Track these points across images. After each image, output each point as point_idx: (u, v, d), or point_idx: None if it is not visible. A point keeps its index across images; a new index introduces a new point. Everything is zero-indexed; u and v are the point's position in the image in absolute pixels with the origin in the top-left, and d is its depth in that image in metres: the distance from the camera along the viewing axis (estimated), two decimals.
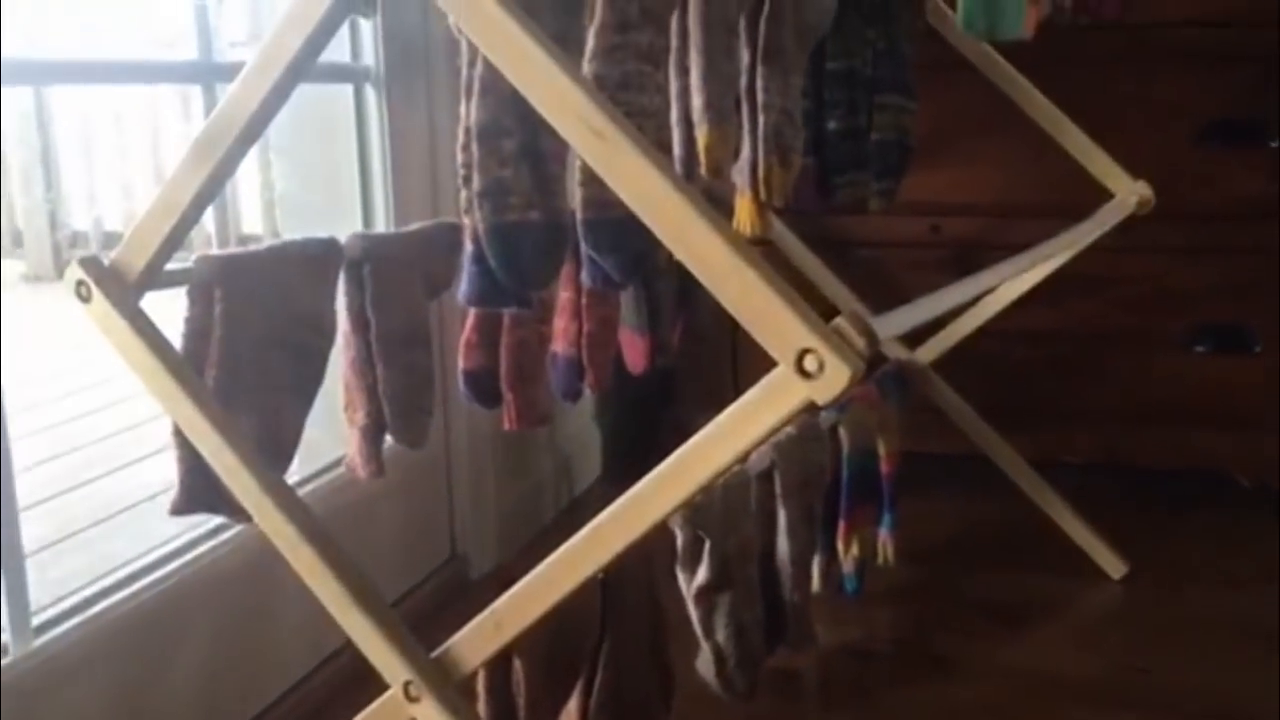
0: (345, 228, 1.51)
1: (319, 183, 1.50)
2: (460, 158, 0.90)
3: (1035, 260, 1.31)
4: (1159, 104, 1.81)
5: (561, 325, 1.31)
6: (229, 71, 1.64)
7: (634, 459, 1.38)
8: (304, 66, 0.86)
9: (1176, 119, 1.81)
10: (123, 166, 4.22)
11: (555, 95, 0.74)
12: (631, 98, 1.02)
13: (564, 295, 1.28)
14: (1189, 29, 1.77)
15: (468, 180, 0.89)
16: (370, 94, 1.48)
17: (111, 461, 2.37)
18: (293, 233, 1.47)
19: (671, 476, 0.75)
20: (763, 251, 1.35)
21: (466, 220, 0.91)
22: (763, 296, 0.69)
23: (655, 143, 1.05)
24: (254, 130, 0.89)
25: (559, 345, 1.31)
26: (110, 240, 4.29)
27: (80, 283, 0.93)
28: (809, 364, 0.68)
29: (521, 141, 0.90)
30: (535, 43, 0.74)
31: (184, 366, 0.92)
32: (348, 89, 1.48)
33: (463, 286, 0.94)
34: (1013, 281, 1.32)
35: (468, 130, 0.89)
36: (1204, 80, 1.79)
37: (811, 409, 0.70)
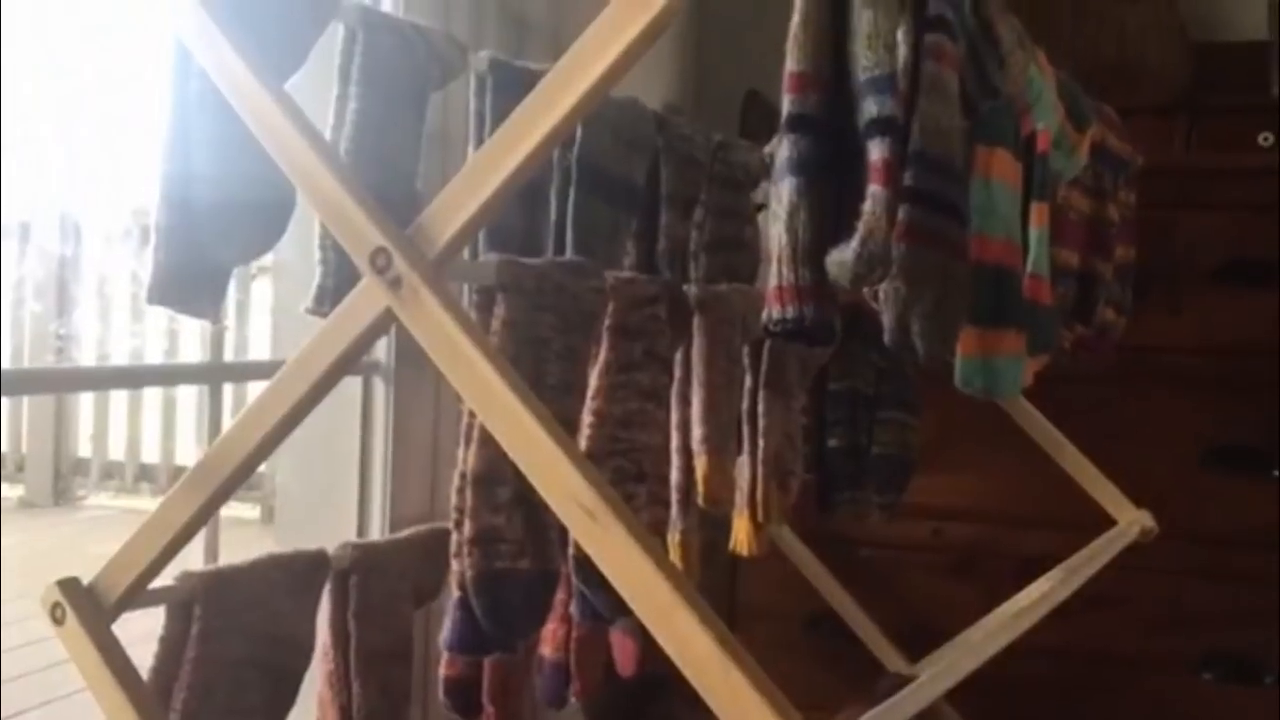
0: (340, 522, 1.51)
1: (318, 473, 1.50)
2: (454, 500, 0.89)
3: (1041, 597, 1.28)
4: (1162, 425, 1.82)
5: (550, 628, 1.28)
6: (237, 371, 1.69)
7: None
8: (304, 411, 0.86)
9: (1181, 441, 1.81)
10: (131, 398, 4.28)
11: (549, 470, 0.74)
12: (633, 435, 1.02)
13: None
14: (1188, 355, 1.81)
15: (459, 525, 0.89)
16: (378, 387, 1.50)
17: None
18: (287, 526, 1.46)
19: None
20: (763, 548, 1.33)
21: (455, 564, 0.89)
22: (751, 703, 0.67)
23: (654, 475, 1.05)
24: (253, 464, 0.89)
25: (546, 648, 1.27)
26: (112, 469, 4.29)
27: (56, 605, 0.91)
28: None
29: (516, 489, 0.89)
30: (533, 417, 0.74)
31: (151, 705, 0.89)
32: (356, 381, 1.50)
33: (445, 631, 0.91)
34: (1013, 621, 1.29)
35: (463, 475, 0.89)
36: (1206, 405, 1.81)
37: None
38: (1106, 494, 1.57)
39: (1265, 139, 1.93)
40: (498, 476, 0.88)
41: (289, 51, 0.97)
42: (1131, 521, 1.55)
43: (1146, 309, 1.73)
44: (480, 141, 1.21)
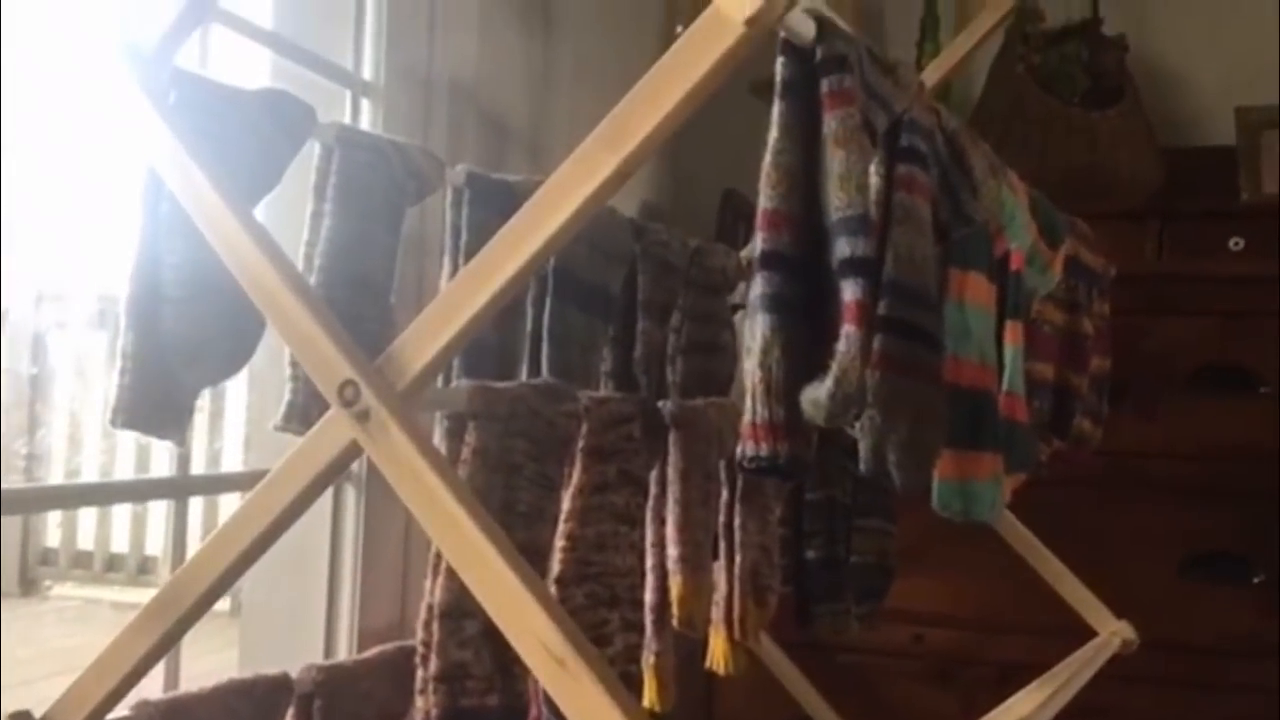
0: (307, 631, 1.48)
1: (286, 581, 1.46)
2: (420, 635, 0.87)
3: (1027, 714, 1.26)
4: (1140, 532, 1.82)
5: None
6: (207, 485, 1.66)
7: None
8: (271, 538, 0.85)
9: (1159, 547, 1.81)
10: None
11: (517, 614, 0.72)
12: (606, 558, 1.01)
13: None
14: (1165, 461, 1.81)
15: (425, 661, 0.86)
16: (350, 495, 1.48)
17: None
18: (253, 634, 1.42)
19: None
20: (740, 666, 1.30)
21: (420, 702, 0.87)
22: None
23: (627, 600, 1.03)
24: (217, 592, 0.87)
25: None
26: (81, 559, 4.21)
27: None
28: None
29: (485, 622, 0.87)
30: (502, 558, 0.73)
31: None
32: (328, 488, 1.47)
33: None
34: None
35: (430, 608, 0.87)
36: (1183, 511, 1.80)
37: None
38: (1087, 605, 1.56)
39: (1236, 244, 1.95)
40: (465, 609, 0.86)
41: (263, 172, 0.97)
42: (1113, 633, 1.54)
43: (1122, 415, 1.74)
44: (456, 253, 1.21)
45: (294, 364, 1.01)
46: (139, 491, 1.59)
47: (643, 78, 0.69)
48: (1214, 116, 2.20)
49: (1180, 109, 2.26)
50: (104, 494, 1.69)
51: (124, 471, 4.00)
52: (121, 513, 4.18)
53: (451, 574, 0.86)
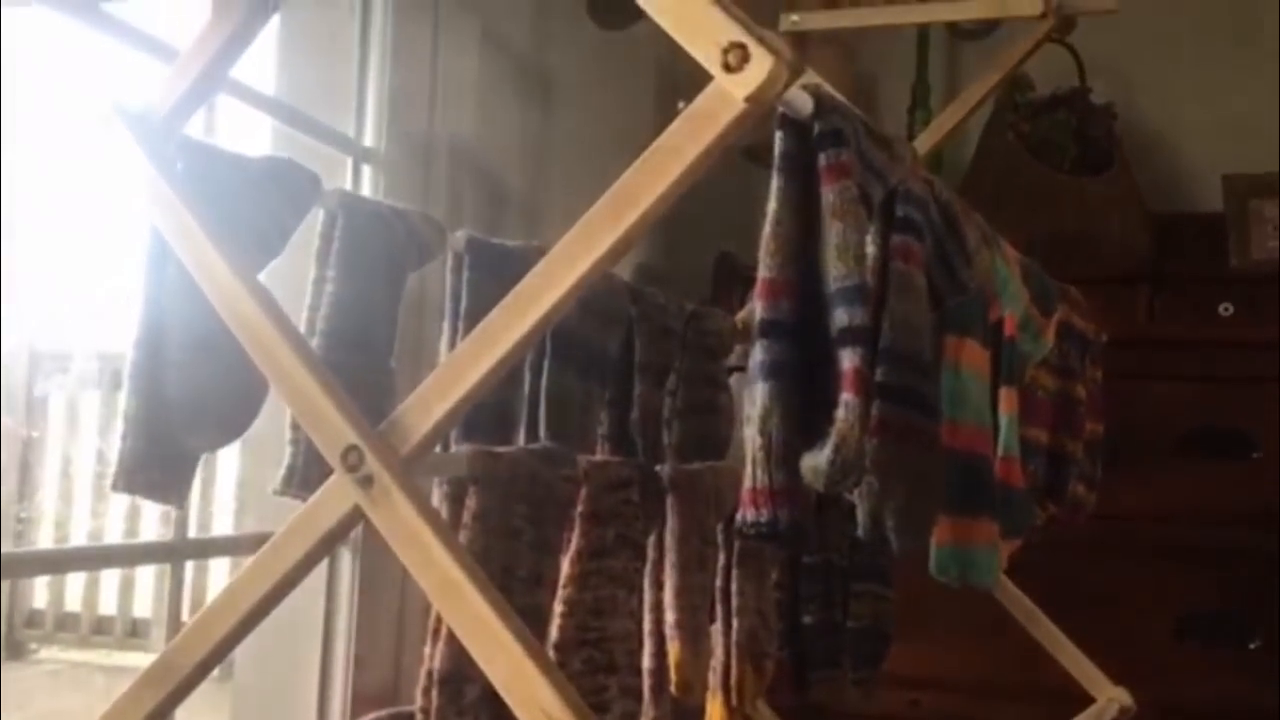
0: (300, 698, 1.47)
1: (279, 645, 1.46)
2: (419, 700, 0.87)
3: None
4: (1135, 595, 1.82)
5: None
6: (200, 549, 1.66)
7: None
8: (270, 605, 0.84)
9: (1155, 611, 1.80)
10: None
11: (518, 681, 0.72)
12: (604, 624, 1.01)
13: None
14: (1159, 525, 1.81)
15: None
16: (345, 558, 1.47)
17: None
18: (245, 702, 1.41)
19: None
20: None
21: None
22: None
23: (626, 667, 1.02)
24: (213, 661, 0.86)
25: None
26: (68, 621, 4.17)
27: None
28: None
29: (485, 687, 0.87)
30: (503, 624, 0.73)
31: None
32: None
33: None
34: None
35: (429, 674, 0.87)
36: (1178, 575, 1.81)
37: None
38: (1083, 671, 1.55)
39: (1226, 309, 1.97)
40: (465, 675, 0.86)
41: (268, 238, 0.99)
42: (1110, 699, 1.53)
43: (1118, 478, 1.74)
44: (455, 317, 1.22)
45: (294, 428, 1.01)
46: (136, 555, 1.59)
47: (645, 151, 0.71)
48: (1202, 183, 2.24)
49: (1169, 176, 2.29)
50: (102, 558, 1.69)
51: (113, 534, 3.98)
52: (110, 575, 4.14)
53: (452, 639, 0.86)
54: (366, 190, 1.46)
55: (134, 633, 4.08)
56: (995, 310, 1.11)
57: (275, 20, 0.95)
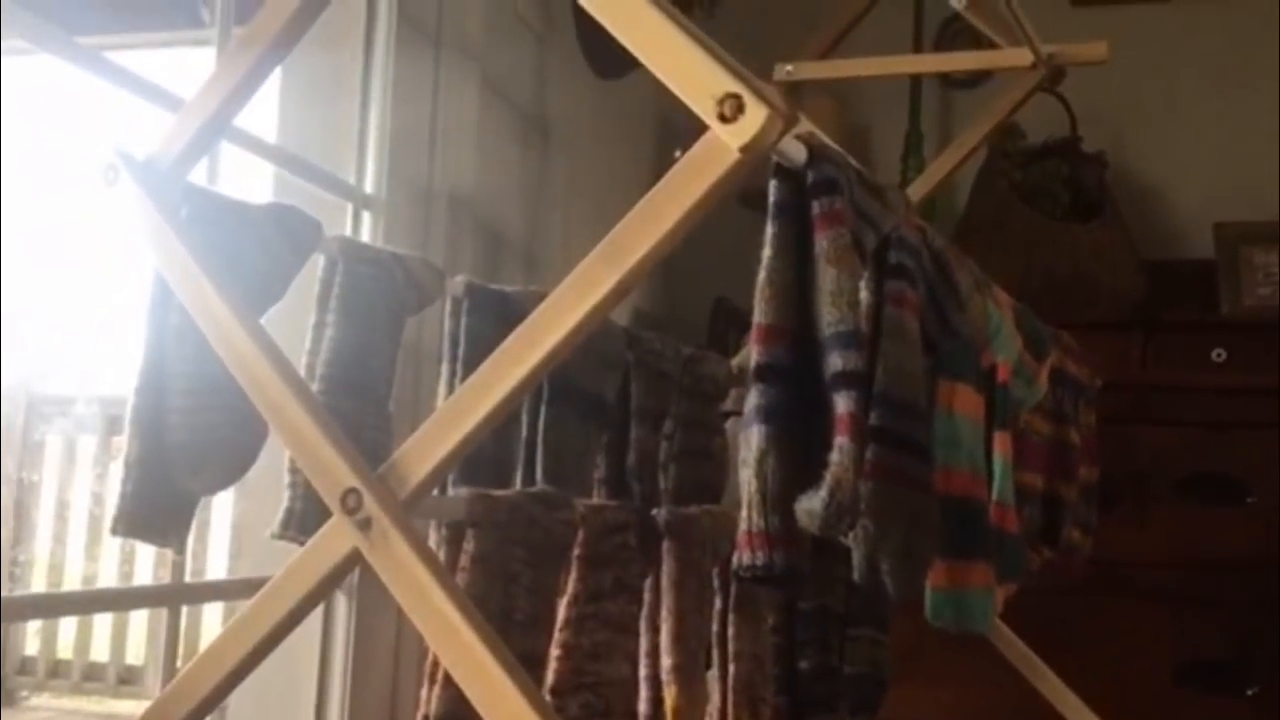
0: None
1: (274, 689, 1.45)
2: None
3: None
4: (1134, 640, 1.81)
5: None
6: (197, 593, 1.66)
7: None
8: (267, 649, 0.85)
9: (1153, 656, 1.80)
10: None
11: None
12: (600, 668, 1.01)
13: None
14: (1157, 569, 1.81)
15: None
16: (340, 602, 1.47)
17: None
18: None
19: None
20: None
21: None
22: None
23: (621, 712, 1.02)
24: (210, 705, 0.86)
25: None
26: (59, 668, 4.13)
27: None
28: None
29: None
30: (501, 668, 0.73)
31: None
32: None
33: None
34: None
35: (425, 718, 0.87)
36: (1176, 620, 1.81)
37: None
38: (1082, 717, 1.54)
39: (1219, 355, 1.99)
40: (462, 717, 0.86)
41: (270, 284, 1.00)
42: None
43: (1114, 523, 1.75)
44: (454, 361, 1.23)
45: (293, 471, 1.02)
46: (132, 600, 1.58)
47: (642, 199, 0.72)
48: (1193, 231, 2.27)
49: (1160, 223, 2.32)
50: (98, 602, 1.69)
51: (108, 579, 3.96)
52: (103, 621, 4.11)
53: (449, 683, 0.86)
54: (366, 236, 1.47)
55: (127, 680, 4.04)
56: (988, 356, 1.12)
57: (278, 68, 0.97)
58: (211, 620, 3.50)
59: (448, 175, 1.60)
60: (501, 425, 1.23)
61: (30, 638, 4.23)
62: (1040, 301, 1.41)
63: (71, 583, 3.96)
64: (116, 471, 0.92)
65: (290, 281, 1.02)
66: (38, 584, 3.93)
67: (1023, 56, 1.58)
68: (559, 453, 1.23)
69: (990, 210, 2.16)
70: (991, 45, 1.66)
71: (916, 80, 2.36)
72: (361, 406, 1.06)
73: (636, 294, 2.31)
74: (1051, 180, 2.16)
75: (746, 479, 0.78)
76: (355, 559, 0.81)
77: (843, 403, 0.74)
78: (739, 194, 2.09)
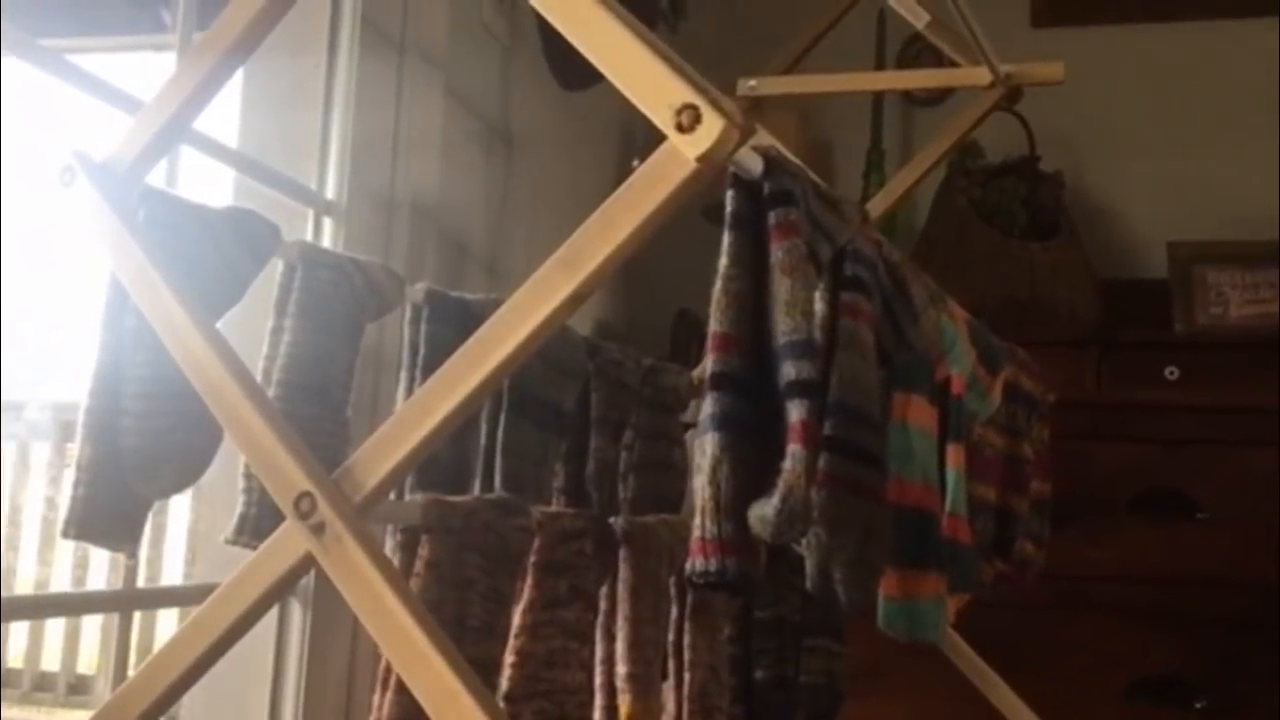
0: None
1: (227, 699, 1.44)
2: None
3: None
4: (1087, 655, 1.83)
5: None
6: (151, 599, 1.64)
7: None
8: (218, 653, 0.84)
9: (1106, 672, 1.82)
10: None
11: None
12: (555, 675, 1.01)
13: None
14: (1110, 585, 1.84)
15: None
16: (295, 610, 1.46)
17: None
18: None
19: None
20: None
21: None
22: None
23: (577, 719, 1.02)
24: (160, 709, 0.85)
25: None
26: (9, 678, 4.06)
27: None
28: None
29: None
30: (455, 675, 0.73)
31: None
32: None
33: None
34: None
35: None
36: (1129, 635, 1.83)
37: None
38: None
39: (1172, 373, 2.02)
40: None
41: (227, 288, 0.99)
42: None
43: (1070, 539, 1.77)
44: (413, 368, 1.23)
45: (248, 477, 1.02)
46: (84, 604, 1.56)
47: (600, 207, 0.73)
48: (1148, 250, 2.30)
49: (1116, 242, 2.36)
50: (49, 606, 1.66)
51: (60, 584, 3.90)
52: (54, 630, 4.05)
53: (402, 689, 0.86)
54: (327, 242, 1.47)
55: (77, 690, 3.99)
56: (942, 369, 1.13)
57: (240, 72, 0.97)
58: (166, 628, 3.46)
59: (410, 182, 1.60)
60: (460, 431, 1.23)
61: (14, 652, 4.16)
62: (998, 319, 1.43)
63: (24, 588, 3.90)
64: (69, 476, 0.91)
65: (248, 285, 1.02)
66: None
67: (981, 75, 1.60)
68: (517, 460, 1.23)
69: (950, 228, 2.18)
70: (952, 64, 1.68)
71: (879, 97, 2.38)
72: (318, 412, 1.05)
73: (599, 304, 2.32)
74: (1010, 199, 2.19)
75: (700, 486, 0.78)
76: (309, 563, 0.81)
77: (796, 411, 0.75)
78: (702, 207, 2.11)
